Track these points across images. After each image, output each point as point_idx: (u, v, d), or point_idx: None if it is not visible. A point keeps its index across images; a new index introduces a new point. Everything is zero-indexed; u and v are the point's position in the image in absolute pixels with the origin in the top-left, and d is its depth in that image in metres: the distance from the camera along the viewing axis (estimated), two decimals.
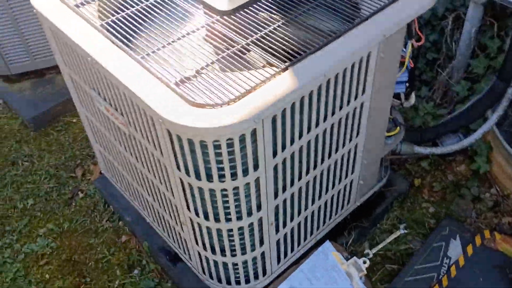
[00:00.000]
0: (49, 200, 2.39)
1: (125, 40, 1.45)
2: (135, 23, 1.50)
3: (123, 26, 1.49)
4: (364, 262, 1.92)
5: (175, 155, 1.33)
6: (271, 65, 1.36)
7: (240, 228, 1.50)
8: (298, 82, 1.29)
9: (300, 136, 1.43)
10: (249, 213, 1.46)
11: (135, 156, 1.64)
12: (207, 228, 1.51)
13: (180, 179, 1.40)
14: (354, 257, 1.92)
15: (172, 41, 1.46)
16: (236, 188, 1.37)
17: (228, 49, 1.42)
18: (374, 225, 2.19)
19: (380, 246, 2.10)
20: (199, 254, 1.68)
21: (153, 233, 2.13)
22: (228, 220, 1.46)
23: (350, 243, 2.08)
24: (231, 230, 1.50)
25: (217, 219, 1.46)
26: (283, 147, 1.40)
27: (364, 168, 1.85)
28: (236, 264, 1.63)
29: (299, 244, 1.82)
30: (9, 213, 2.34)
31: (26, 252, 2.18)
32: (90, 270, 2.13)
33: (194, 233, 1.58)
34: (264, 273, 1.73)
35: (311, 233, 1.85)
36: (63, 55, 1.66)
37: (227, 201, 1.40)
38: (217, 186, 1.35)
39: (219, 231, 1.50)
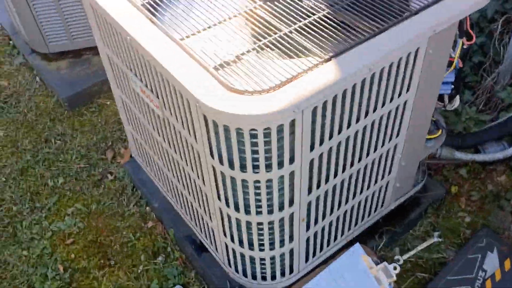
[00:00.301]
0: (79, 180, 2.40)
1: (165, 21, 1.42)
2: (176, 4, 1.47)
3: (163, 6, 1.46)
4: (395, 268, 1.84)
5: (209, 142, 1.29)
6: (314, 54, 1.31)
7: (271, 223, 1.45)
8: (341, 74, 1.23)
9: (340, 131, 1.37)
10: (281, 208, 1.41)
11: (167, 140, 1.61)
12: (237, 219, 1.47)
13: (213, 167, 1.36)
14: (385, 262, 1.85)
15: (213, 25, 1.42)
16: (269, 180, 1.32)
17: (269, 35, 1.37)
18: (407, 230, 2.11)
19: (411, 252, 2.02)
20: (226, 246, 1.64)
21: (179, 221, 2.11)
22: (258, 213, 1.41)
23: (381, 247, 2.01)
24: (261, 223, 1.45)
25: (247, 211, 1.41)
26: (321, 141, 1.34)
27: (402, 171, 1.77)
28: (264, 259, 1.59)
29: (328, 244, 1.76)
30: (40, 190, 2.36)
31: (53, 230, 2.19)
32: (115, 253, 2.13)
33: (223, 224, 1.54)
34: (291, 270, 1.68)
35: (342, 234, 1.79)
36: (102, 34, 1.64)
37: (259, 194, 1.35)
38: (251, 177, 1.30)
39: (248, 223, 1.46)
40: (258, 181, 1.32)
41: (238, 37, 1.37)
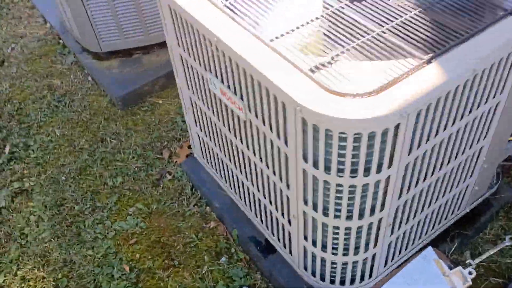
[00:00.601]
0: (137, 180, 2.40)
1: (249, 22, 1.39)
2: (257, 4, 1.44)
3: (245, 7, 1.43)
4: (470, 273, 1.79)
5: (304, 146, 1.26)
6: (411, 55, 1.26)
7: (360, 227, 1.42)
8: (446, 76, 1.18)
9: (436, 134, 1.32)
10: (372, 213, 1.38)
11: (245, 142, 1.59)
12: (323, 224, 1.43)
13: (304, 171, 1.32)
14: (460, 267, 1.80)
15: (301, 25, 1.38)
16: (366, 185, 1.28)
17: (362, 36, 1.33)
18: (477, 234, 2.05)
19: (483, 256, 1.96)
20: (304, 249, 1.61)
21: (242, 222, 2.08)
22: (348, 218, 1.37)
23: (452, 251, 1.95)
24: (349, 228, 1.41)
25: (337, 216, 1.38)
26: (419, 145, 1.30)
27: (482, 173, 1.71)
28: (346, 264, 1.56)
29: (406, 247, 1.72)
30: (99, 189, 2.36)
31: (116, 230, 2.19)
32: (179, 254, 2.11)
33: (305, 228, 1.51)
34: (371, 275, 1.65)
35: (420, 237, 1.74)
36: (178, 35, 1.62)
37: (352, 198, 1.31)
38: (346, 182, 1.27)
39: (335, 228, 1.42)
40: (353, 186, 1.28)
41: (329, 37, 1.33)
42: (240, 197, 1.94)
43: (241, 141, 1.62)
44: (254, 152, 1.57)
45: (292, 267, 1.83)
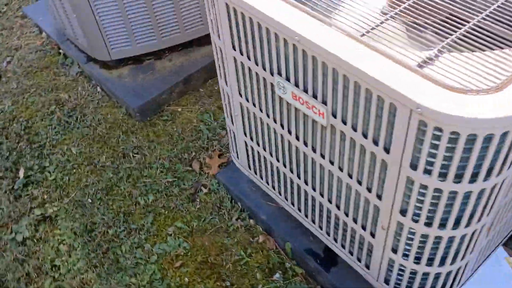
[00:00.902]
0: (170, 196, 2.22)
1: (330, 16, 1.24)
2: None
3: (317, 1, 1.28)
4: None
5: (415, 151, 1.12)
6: None
7: (463, 236, 1.29)
8: None
9: None
10: (480, 219, 1.25)
11: (320, 151, 1.44)
12: (422, 235, 1.30)
13: (410, 179, 1.19)
14: None
15: (385, 19, 1.24)
16: (482, 190, 1.15)
17: (460, 25, 1.20)
18: None
19: None
20: (390, 262, 1.48)
21: (295, 234, 1.94)
22: (455, 226, 1.25)
23: None
24: (452, 237, 1.29)
25: (442, 225, 1.25)
26: None
27: None
28: (439, 274, 1.43)
29: (489, 251, 1.61)
30: (131, 209, 2.18)
31: (158, 253, 2.01)
32: (229, 273, 1.95)
33: (397, 239, 1.38)
34: (459, 282, 1.53)
35: (501, 240, 1.64)
36: (236, 36, 1.46)
37: (465, 204, 1.19)
38: (463, 188, 1.14)
39: (438, 238, 1.29)
40: (469, 192, 1.15)
41: (423, 29, 1.20)
42: (300, 209, 1.79)
43: (314, 149, 1.47)
44: (331, 161, 1.43)
45: (359, 279, 1.70)
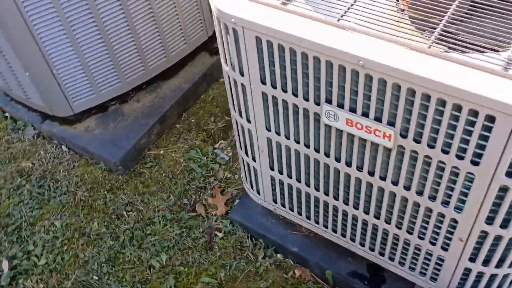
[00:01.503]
0: (185, 250, 2.02)
1: (384, 31, 1.15)
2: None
3: (356, 17, 1.20)
4: None
5: None
6: None
7: None
8: None
9: None
10: None
11: (381, 173, 1.35)
12: (511, 239, 1.26)
13: (502, 187, 1.13)
14: None
15: (450, 19, 1.18)
16: None
17: None
18: None
19: None
20: (465, 271, 1.42)
21: (333, 259, 1.85)
22: None
23: None
24: None
25: None
26: None
27: None
28: None
29: None
30: (147, 275, 1.94)
31: None
32: None
33: (476, 248, 1.33)
34: None
35: None
36: (268, 71, 1.32)
37: None
38: None
39: None
40: None
41: (488, 27, 1.15)
42: (345, 234, 1.69)
43: (370, 173, 1.38)
44: (393, 182, 1.34)
45: None
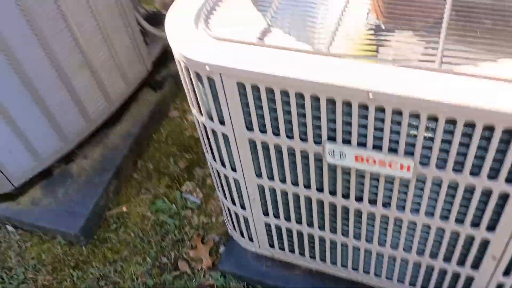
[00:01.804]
0: None
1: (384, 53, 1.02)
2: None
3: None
4: None
5: None
6: None
7: None
8: None
9: None
10: None
11: (398, 203, 1.22)
12: None
13: None
14: None
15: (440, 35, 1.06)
16: None
17: None
18: None
19: None
20: (498, 285, 1.33)
21: None
22: None
23: None
24: None
25: None
26: None
27: None
28: None
29: None
30: None
31: None
32: None
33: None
34: None
35: None
36: (255, 117, 1.14)
37: None
38: None
39: None
40: None
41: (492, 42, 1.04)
42: (357, 268, 1.54)
43: (384, 205, 1.24)
44: (413, 210, 1.21)
45: None
